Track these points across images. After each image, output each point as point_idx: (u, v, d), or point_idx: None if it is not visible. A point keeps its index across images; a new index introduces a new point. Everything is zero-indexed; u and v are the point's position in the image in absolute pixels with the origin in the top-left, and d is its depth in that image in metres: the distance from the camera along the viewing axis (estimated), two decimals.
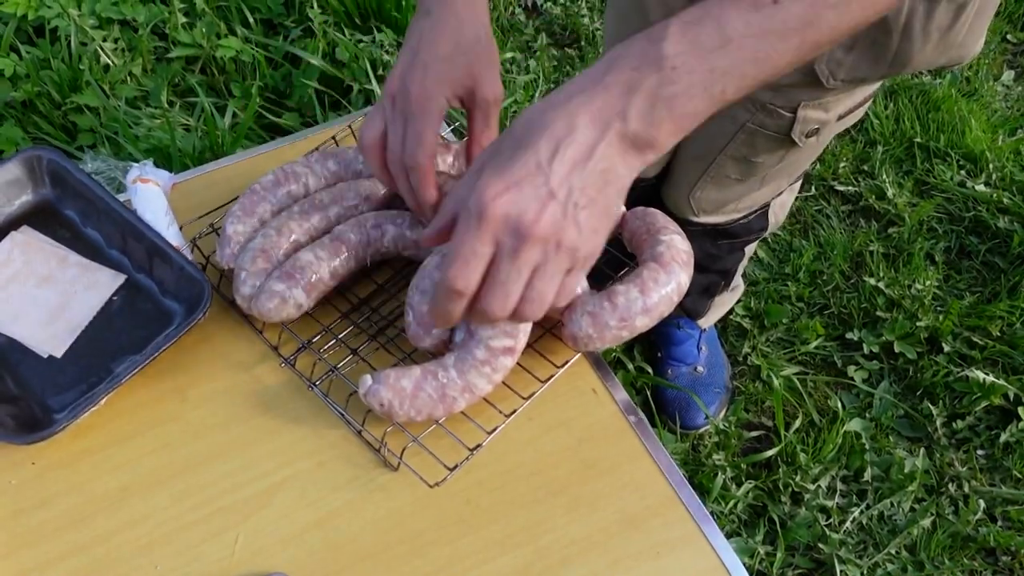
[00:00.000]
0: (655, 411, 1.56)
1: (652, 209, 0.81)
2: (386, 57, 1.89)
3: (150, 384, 0.77)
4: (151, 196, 0.82)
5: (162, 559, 0.69)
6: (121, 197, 0.85)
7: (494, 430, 0.72)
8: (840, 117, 1.01)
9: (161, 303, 0.81)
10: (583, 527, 0.69)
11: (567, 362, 0.76)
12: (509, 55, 2.03)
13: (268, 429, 0.75)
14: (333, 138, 0.93)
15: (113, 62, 1.83)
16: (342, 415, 0.74)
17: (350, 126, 0.95)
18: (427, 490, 0.70)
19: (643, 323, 0.72)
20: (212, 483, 0.72)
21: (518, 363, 0.73)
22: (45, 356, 0.79)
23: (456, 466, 0.70)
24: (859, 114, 1.05)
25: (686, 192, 1.15)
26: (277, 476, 0.72)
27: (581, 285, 0.72)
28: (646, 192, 1.24)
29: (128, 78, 1.84)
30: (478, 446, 0.71)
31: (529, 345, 0.74)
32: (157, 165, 0.87)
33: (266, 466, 0.73)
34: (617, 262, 0.82)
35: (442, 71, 0.73)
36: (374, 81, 1.83)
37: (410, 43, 0.75)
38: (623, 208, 0.81)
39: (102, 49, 1.82)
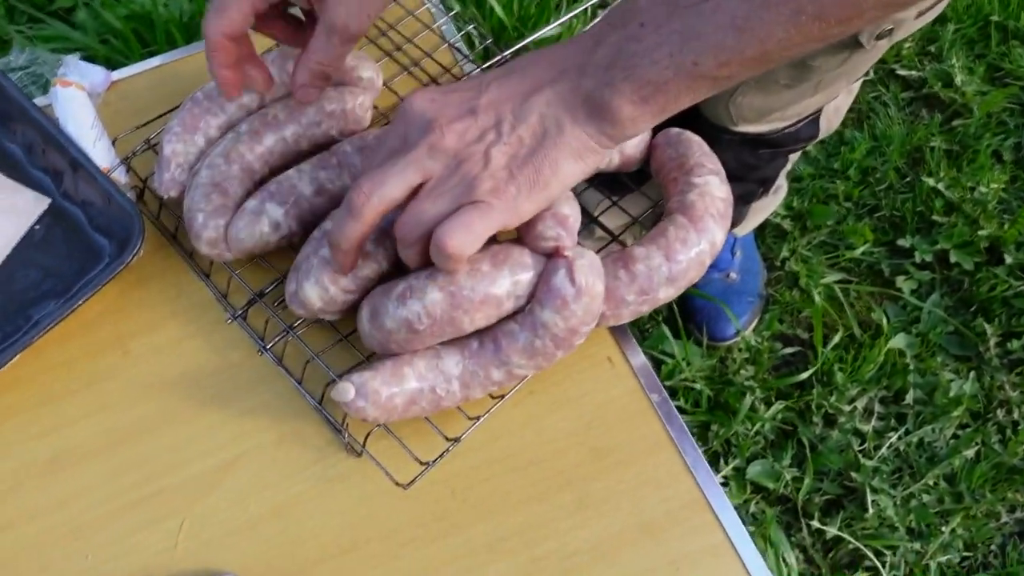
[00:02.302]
0: (680, 321, 1.43)
1: (688, 134, 0.65)
2: None
3: (87, 332, 0.65)
4: (74, 103, 0.67)
5: (95, 547, 0.58)
6: (44, 101, 0.71)
7: (478, 418, 0.59)
8: (921, 13, 0.82)
9: (90, 236, 0.67)
10: (591, 533, 0.57)
11: None
12: None
13: (218, 395, 0.63)
14: None
15: None
16: (298, 385, 0.61)
17: None
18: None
19: (667, 295, 0.58)
20: (155, 456, 0.61)
21: None
22: None
23: (431, 462, 0.58)
24: (940, 8, 0.86)
25: (725, 97, 0.96)
26: (228, 453, 0.61)
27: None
28: None
29: None
30: (457, 439, 0.58)
31: None
32: (111, 56, 0.71)
33: (216, 440, 0.61)
34: (616, 183, 0.68)
35: None
36: None
37: None
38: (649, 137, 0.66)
39: None
